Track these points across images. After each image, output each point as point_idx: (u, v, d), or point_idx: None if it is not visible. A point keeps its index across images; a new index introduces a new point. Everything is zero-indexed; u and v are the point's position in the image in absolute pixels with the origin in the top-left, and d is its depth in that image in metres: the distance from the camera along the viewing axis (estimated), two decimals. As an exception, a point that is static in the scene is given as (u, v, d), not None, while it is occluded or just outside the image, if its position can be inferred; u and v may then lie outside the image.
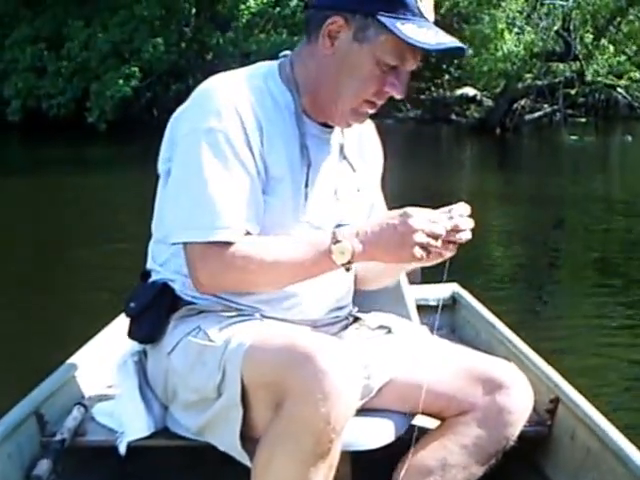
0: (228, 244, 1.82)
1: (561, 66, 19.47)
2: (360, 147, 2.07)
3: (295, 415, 1.68)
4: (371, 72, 1.86)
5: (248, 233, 1.86)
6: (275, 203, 1.90)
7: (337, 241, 1.79)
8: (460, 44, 1.86)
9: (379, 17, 1.82)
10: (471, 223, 1.83)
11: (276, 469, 1.73)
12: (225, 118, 1.84)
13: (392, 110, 21.34)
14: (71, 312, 5.36)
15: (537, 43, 18.43)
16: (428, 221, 1.78)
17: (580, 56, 18.81)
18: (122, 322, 2.19)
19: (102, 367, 2.34)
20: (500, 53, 18.20)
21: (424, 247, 1.77)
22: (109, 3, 20.87)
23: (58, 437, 2.05)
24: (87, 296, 5.62)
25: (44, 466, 1.97)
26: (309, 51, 1.91)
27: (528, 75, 19.33)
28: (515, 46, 18.23)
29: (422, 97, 22.34)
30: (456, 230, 1.80)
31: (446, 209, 1.83)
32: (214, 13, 20.97)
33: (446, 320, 2.92)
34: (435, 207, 1.85)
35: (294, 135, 1.92)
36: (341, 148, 2.01)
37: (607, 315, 5.51)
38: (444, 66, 22.78)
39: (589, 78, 19.03)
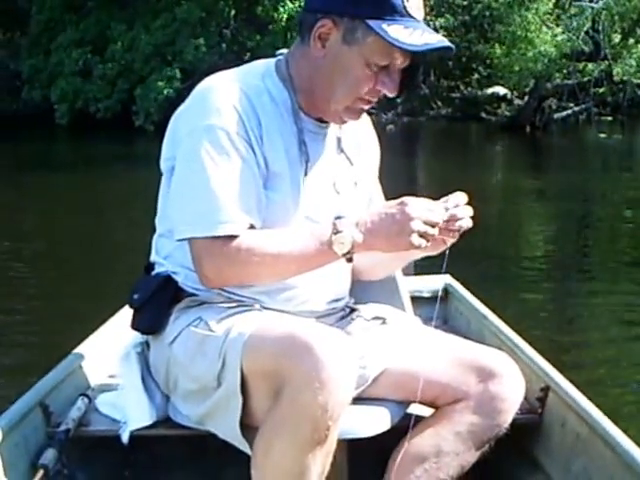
0: (232, 238, 1.86)
1: (590, 65, 19.75)
2: (357, 141, 2.11)
3: (293, 403, 1.72)
4: (362, 72, 1.90)
5: (251, 227, 1.90)
6: (275, 198, 1.94)
7: (337, 231, 1.84)
8: (447, 43, 1.90)
9: (366, 19, 1.85)
10: (469, 211, 1.88)
11: (275, 456, 1.77)
12: (225, 115, 1.89)
13: (424, 108, 21.55)
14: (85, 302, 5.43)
15: (567, 43, 18.60)
16: (425, 209, 1.82)
17: (608, 56, 18.97)
18: (126, 314, 2.23)
19: (106, 358, 2.38)
20: (531, 53, 18.37)
21: (422, 235, 1.81)
22: (151, 6, 21.25)
23: (63, 427, 2.09)
24: (106, 289, 5.61)
25: (50, 455, 2.02)
26: (302, 52, 1.96)
27: (557, 74, 19.52)
28: (548, 46, 18.40)
29: (453, 95, 22.55)
30: (455, 219, 1.85)
31: (444, 199, 1.88)
32: (252, 15, 21.17)
33: (439, 311, 2.92)
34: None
35: (292, 131, 1.97)
36: (338, 142, 2.06)
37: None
38: (474, 65, 22.98)
39: (617, 77, 19.20)
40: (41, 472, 1.99)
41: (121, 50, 20.66)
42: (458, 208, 1.86)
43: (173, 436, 2.11)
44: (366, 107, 1.98)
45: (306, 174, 1.98)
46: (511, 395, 2.02)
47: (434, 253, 1.95)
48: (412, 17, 1.87)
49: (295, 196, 1.96)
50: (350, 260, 1.87)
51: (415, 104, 21.70)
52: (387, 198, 1.89)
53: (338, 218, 1.90)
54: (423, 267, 2.42)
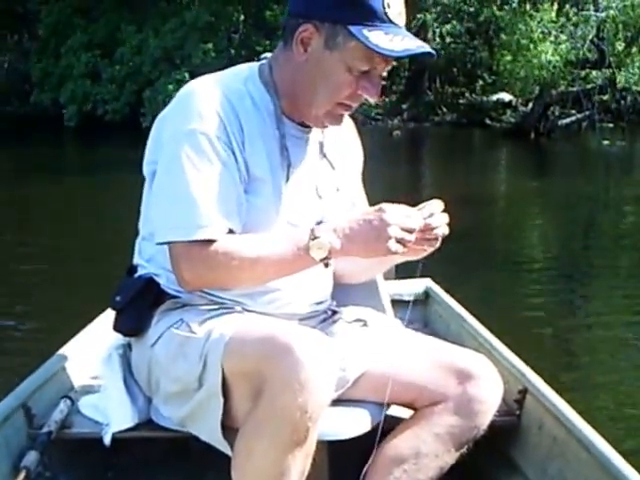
0: (210, 242, 1.88)
1: (593, 73, 19.98)
2: (339, 145, 2.13)
3: (273, 404, 1.74)
4: (343, 77, 1.91)
5: (230, 231, 1.91)
6: (257, 202, 1.96)
7: (315, 237, 1.86)
8: (428, 49, 1.91)
9: (347, 25, 1.87)
10: (445, 218, 1.91)
11: (255, 457, 1.79)
12: (206, 120, 1.90)
13: (429, 114, 21.72)
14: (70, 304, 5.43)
15: (572, 51, 18.83)
16: (402, 216, 1.85)
17: (612, 64, 19.20)
18: (109, 316, 2.24)
19: (88, 360, 2.39)
20: (536, 60, 18.56)
21: (399, 241, 1.83)
22: (160, 10, 21.42)
23: (45, 429, 2.09)
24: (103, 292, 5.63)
25: (32, 457, 2.02)
26: (285, 56, 1.97)
27: (562, 81, 19.73)
28: (552, 55, 18.61)
29: (459, 102, 22.76)
30: (431, 228, 1.88)
31: (420, 206, 1.91)
32: (261, 20, 21.38)
33: (419, 314, 2.99)
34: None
35: (274, 136, 1.98)
36: (321, 146, 2.07)
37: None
38: (479, 72, 23.17)
39: (620, 85, 19.43)
40: (23, 474, 1.99)
41: (130, 54, 20.76)
42: (434, 217, 1.90)
43: (155, 438, 2.11)
44: (346, 113, 2.00)
45: (288, 179, 1.99)
46: (489, 397, 2.04)
47: (415, 258, 1.98)
48: (393, 23, 1.89)
49: (277, 201, 1.98)
50: (327, 265, 1.90)
51: (420, 110, 21.88)
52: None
53: (319, 223, 1.92)
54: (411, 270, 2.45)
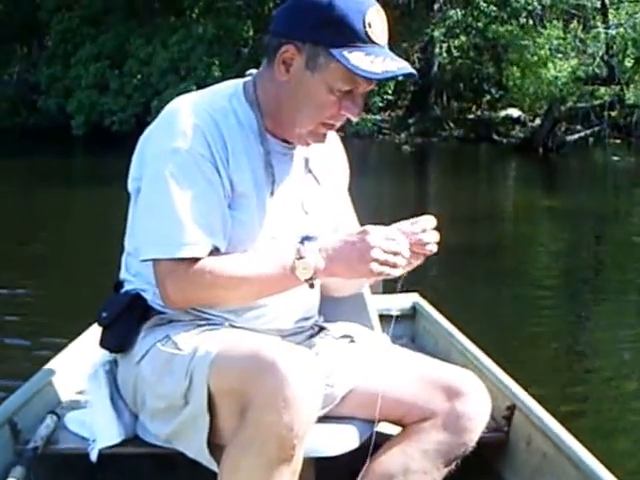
0: (195, 260, 1.88)
1: (602, 89, 20.08)
2: (325, 160, 2.12)
3: (259, 422, 1.74)
4: (325, 98, 1.91)
5: (216, 249, 1.91)
6: (242, 218, 1.95)
7: (300, 257, 1.86)
8: (409, 70, 1.90)
9: (327, 46, 1.86)
10: (436, 236, 1.90)
11: (242, 474, 1.78)
12: (190, 138, 1.90)
13: (437, 129, 21.85)
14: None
15: (581, 68, 18.93)
16: (385, 239, 1.84)
17: (621, 80, 19.33)
18: (95, 331, 2.23)
19: (75, 376, 2.39)
20: (545, 77, 18.70)
21: (382, 263, 1.83)
22: (169, 23, 21.81)
23: (31, 445, 2.09)
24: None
25: (18, 473, 2.02)
26: (269, 75, 1.97)
27: (571, 98, 19.84)
28: (559, 72, 18.72)
29: (466, 117, 22.90)
30: (421, 243, 1.88)
31: (412, 220, 1.91)
32: None
33: (406, 329, 2.98)
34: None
35: (258, 153, 1.98)
36: (306, 162, 2.07)
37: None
38: (485, 87, 23.31)
39: (629, 102, 19.54)
40: (8, 490, 1.98)
41: (138, 65, 20.99)
42: (425, 233, 1.89)
43: (141, 454, 2.11)
44: (329, 131, 2.00)
45: (272, 194, 1.99)
46: (477, 413, 2.03)
47: (397, 274, 1.97)
48: (375, 43, 1.88)
49: (261, 216, 1.97)
50: (312, 286, 1.90)
51: (427, 125, 21.96)
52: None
53: (307, 238, 1.92)
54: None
